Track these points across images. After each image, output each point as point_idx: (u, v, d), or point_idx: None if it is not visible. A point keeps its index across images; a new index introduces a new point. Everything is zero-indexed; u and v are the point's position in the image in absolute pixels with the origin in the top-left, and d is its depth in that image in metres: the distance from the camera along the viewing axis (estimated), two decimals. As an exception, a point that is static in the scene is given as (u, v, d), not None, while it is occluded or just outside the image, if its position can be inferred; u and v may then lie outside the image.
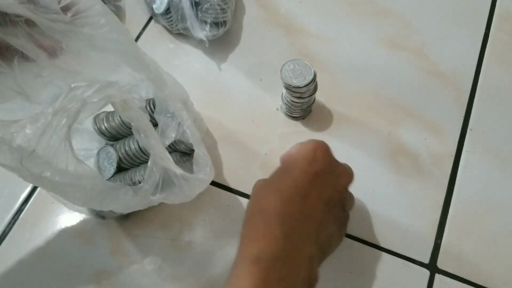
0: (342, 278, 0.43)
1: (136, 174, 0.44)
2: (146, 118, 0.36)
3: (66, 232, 0.46)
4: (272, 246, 0.31)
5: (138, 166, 0.45)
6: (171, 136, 0.40)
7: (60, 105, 0.29)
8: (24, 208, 0.47)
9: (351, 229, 0.45)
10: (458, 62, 0.54)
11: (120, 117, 0.46)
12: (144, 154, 0.45)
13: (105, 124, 0.46)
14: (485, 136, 0.50)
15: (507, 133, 0.50)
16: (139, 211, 0.46)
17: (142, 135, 0.35)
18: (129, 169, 0.46)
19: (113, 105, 0.34)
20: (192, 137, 0.40)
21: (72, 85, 0.30)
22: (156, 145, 0.36)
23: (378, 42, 0.56)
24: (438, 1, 0.59)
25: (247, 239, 0.32)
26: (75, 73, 0.36)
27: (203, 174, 0.40)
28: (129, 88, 0.42)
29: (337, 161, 0.38)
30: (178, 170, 0.38)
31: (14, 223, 0.47)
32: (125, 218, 0.46)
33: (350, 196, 0.41)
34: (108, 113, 0.47)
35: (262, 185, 0.35)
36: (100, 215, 0.45)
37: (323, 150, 0.36)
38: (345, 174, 0.38)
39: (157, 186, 0.37)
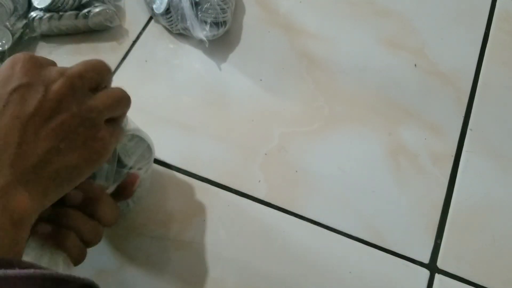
0: (342, 278, 0.43)
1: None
2: None
3: (66, 232, 0.46)
4: None
5: None
6: None
7: None
8: (24, 208, 0.47)
9: (351, 229, 0.45)
10: (458, 62, 0.54)
11: None
12: None
13: None
14: (485, 136, 0.50)
15: (507, 133, 0.50)
16: (139, 211, 0.46)
17: None
18: None
19: None
20: None
21: None
22: None
23: (378, 42, 0.56)
24: (438, 1, 0.59)
25: None
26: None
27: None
28: None
29: (50, 68, 0.31)
30: None
31: (14, 223, 0.47)
32: (124, 218, 0.46)
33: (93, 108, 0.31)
34: None
35: None
36: None
37: (23, 62, 0.30)
38: (57, 76, 0.30)
39: None
